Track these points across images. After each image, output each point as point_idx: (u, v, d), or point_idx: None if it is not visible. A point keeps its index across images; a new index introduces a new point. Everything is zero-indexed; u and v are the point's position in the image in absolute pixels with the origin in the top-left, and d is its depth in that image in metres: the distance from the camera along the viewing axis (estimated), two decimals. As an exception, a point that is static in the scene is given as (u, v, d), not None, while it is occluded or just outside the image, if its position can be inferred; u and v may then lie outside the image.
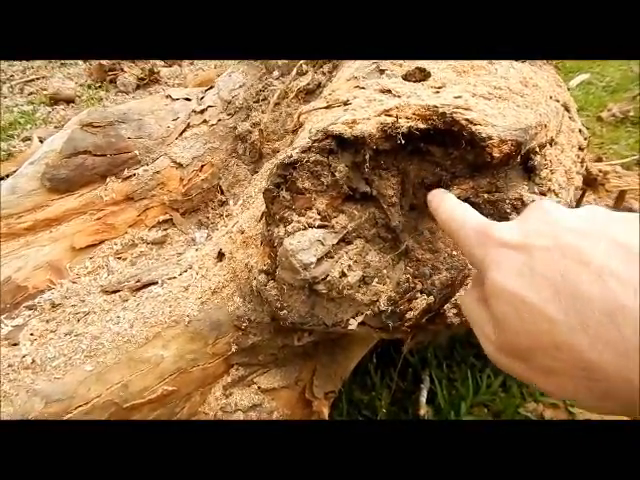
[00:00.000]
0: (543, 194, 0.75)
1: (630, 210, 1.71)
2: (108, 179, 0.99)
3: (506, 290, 0.32)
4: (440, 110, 0.64)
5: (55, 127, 2.97)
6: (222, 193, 1.05)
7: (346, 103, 0.73)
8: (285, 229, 0.68)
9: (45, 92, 3.35)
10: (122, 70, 3.64)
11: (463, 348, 1.36)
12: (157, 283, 0.85)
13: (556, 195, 0.77)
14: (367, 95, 0.73)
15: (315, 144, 0.67)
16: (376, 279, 0.68)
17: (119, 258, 0.93)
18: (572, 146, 0.89)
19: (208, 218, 1.04)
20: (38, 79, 3.70)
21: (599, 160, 1.72)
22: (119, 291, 0.86)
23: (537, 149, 0.73)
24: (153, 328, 0.77)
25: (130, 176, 1.00)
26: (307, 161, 0.67)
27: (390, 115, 0.65)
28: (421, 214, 0.76)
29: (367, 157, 0.66)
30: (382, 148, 0.65)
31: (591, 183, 1.24)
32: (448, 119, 0.64)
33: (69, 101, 3.29)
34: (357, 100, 0.73)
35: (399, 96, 0.71)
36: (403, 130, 0.63)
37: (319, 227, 0.67)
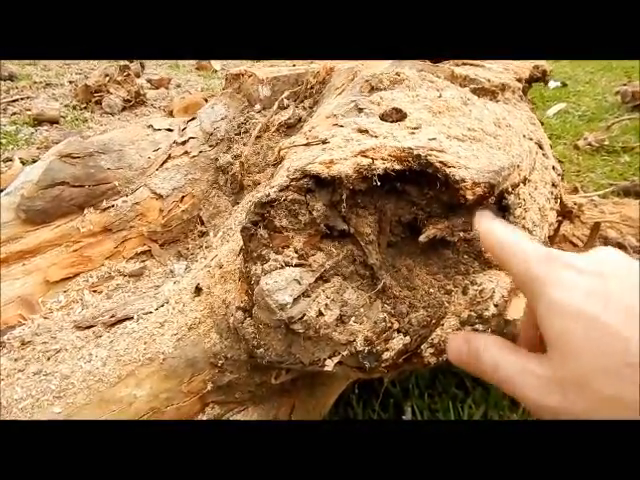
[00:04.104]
0: (517, 232, 0.77)
1: (606, 239, 1.75)
2: (86, 210, 0.98)
3: (573, 306, 0.31)
4: (415, 152, 0.66)
5: (37, 148, 2.94)
6: (202, 224, 1.04)
7: (324, 142, 0.75)
8: (262, 267, 0.68)
9: (29, 112, 3.33)
10: (108, 92, 3.65)
11: (445, 378, 1.36)
12: (132, 318, 0.83)
13: (530, 233, 0.79)
14: (345, 134, 0.75)
15: (293, 183, 0.68)
16: (353, 318, 0.68)
17: (94, 291, 0.91)
18: (545, 183, 0.91)
19: (188, 249, 1.03)
20: (22, 99, 3.68)
21: (575, 191, 1.77)
22: (93, 326, 0.84)
23: (510, 189, 0.74)
24: (126, 366, 0.75)
25: (108, 207, 0.99)
26: (285, 200, 0.68)
27: (366, 156, 0.66)
28: (398, 251, 0.77)
29: (344, 197, 0.66)
30: (358, 188, 0.66)
31: (567, 215, 1.27)
32: (423, 161, 0.65)
33: (53, 122, 3.27)
34: (335, 139, 0.74)
35: (376, 136, 0.72)
36: (379, 171, 0.64)
37: (296, 266, 0.67)
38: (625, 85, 3.86)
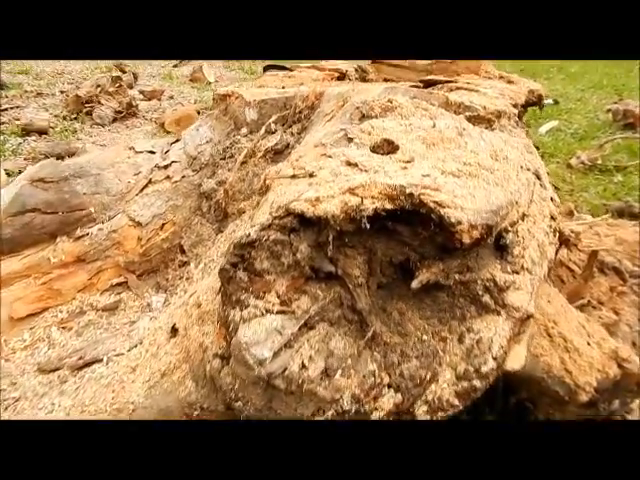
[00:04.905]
0: (516, 272, 0.72)
1: (602, 264, 1.71)
2: (58, 239, 0.91)
3: None
4: (407, 190, 0.61)
5: (25, 159, 2.87)
6: (184, 253, 0.99)
7: (311, 175, 0.70)
8: (241, 314, 0.62)
9: (18, 122, 3.26)
10: (99, 102, 3.60)
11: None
12: (102, 361, 0.77)
13: (529, 272, 0.74)
14: (333, 167, 0.70)
15: (276, 221, 0.63)
16: (340, 371, 0.62)
17: (63, 328, 0.85)
18: (544, 216, 0.87)
19: (167, 280, 0.97)
20: (12, 108, 3.61)
21: (570, 214, 1.74)
22: (58, 369, 0.77)
23: (508, 227, 0.70)
24: (92, 418, 0.69)
25: (83, 235, 0.93)
26: (267, 240, 0.62)
27: (355, 194, 0.61)
28: (390, 293, 0.71)
29: (331, 239, 0.61)
30: (346, 229, 0.61)
31: (564, 243, 1.23)
32: (416, 201, 0.60)
33: (42, 132, 3.20)
34: (323, 172, 0.69)
35: (366, 170, 0.67)
36: (368, 212, 0.59)
37: (278, 312, 0.62)
38: (616, 103, 3.89)
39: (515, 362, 0.67)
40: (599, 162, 3.00)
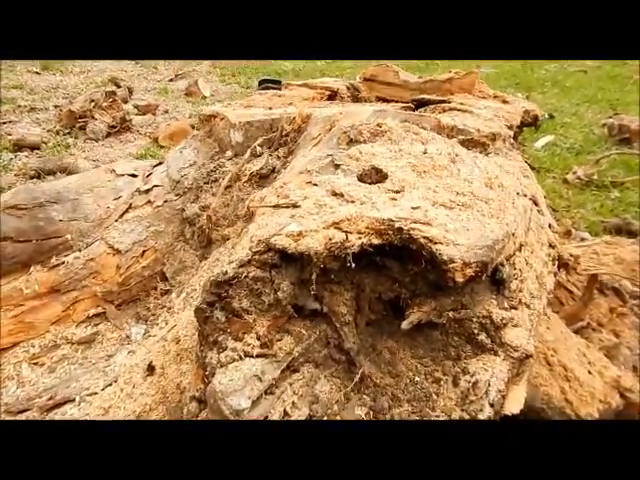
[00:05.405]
0: (514, 308, 0.68)
1: (601, 285, 1.67)
2: (32, 268, 0.87)
3: None
4: (396, 225, 0.57)
5: (15, 175, 2.83)
6: (166, 281, 0.94)
7: (295, 205, 0.66)
8: (218, 357, 0.58)
9: (10, 137, 3.22)
10: (93, 117, 3.57)
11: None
12: (74, 401, 0.72)
13: (528, 307, 0.70)
14: (318, 197, 0.66)
15: (256, 257, 0.59)
16: (325, 418, 0.57)
17: (35, 364, 0.80)
18: (542, 244, 0.83)
19: (148, 310, 0.92)
20: (4, 123, 3.58)
21: (568, 233, 1.71)
22: (27, 411, 0.72)
23: (505, 260, 0.66)
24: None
25: (58, 264, 0.88)
26: (246, 277, 0.58)
27: (340, 229, 0.57)
28: (379, 331, 0.67)
29: (314, 277, 0.57)
30: (330, 267, 0.57)
31: (563, 267, 1.20)
32: (405, 236, 0.56)
33: (34, 148, 3.17)
34: (307, 203, 0.65)
35: (352, 201, 0.64)
36: (354, 249, 0.55)
37: (258, 356, 0.57)
38: (611, 118, 3.89)
39: (514, 405, 0.62)
40: (595, 177, 2.98)
